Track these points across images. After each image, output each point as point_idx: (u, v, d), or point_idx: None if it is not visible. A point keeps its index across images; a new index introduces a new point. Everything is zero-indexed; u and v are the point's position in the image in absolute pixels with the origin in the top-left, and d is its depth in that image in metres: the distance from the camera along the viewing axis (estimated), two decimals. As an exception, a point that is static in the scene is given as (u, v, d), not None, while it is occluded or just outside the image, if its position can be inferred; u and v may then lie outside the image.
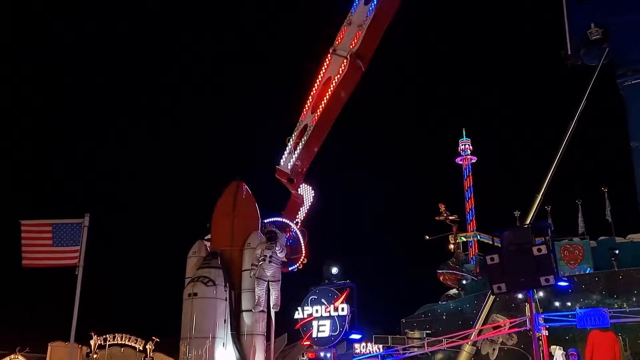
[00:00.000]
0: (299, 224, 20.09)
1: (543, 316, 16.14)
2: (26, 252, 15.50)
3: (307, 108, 20.70)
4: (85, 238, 15.23)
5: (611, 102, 21.46)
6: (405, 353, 21.54)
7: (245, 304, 16.35)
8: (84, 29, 63.33)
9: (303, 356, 24.38)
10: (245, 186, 17.66)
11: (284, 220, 19.65)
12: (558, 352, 17.86)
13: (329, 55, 21.02)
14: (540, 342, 15.85)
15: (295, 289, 18.61)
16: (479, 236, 38.14)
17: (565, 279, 17.79)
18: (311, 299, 16.93)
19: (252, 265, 16.36)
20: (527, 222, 21.26)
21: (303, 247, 19.48)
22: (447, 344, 19.40)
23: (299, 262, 19.55)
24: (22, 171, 50.49)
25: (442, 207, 35.87)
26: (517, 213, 28.51)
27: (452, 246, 36.43)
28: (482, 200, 41.50)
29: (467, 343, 19.20)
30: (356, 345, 25.09)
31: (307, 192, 21.05)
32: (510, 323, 18.20)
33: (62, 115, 60.57)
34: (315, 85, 20.79)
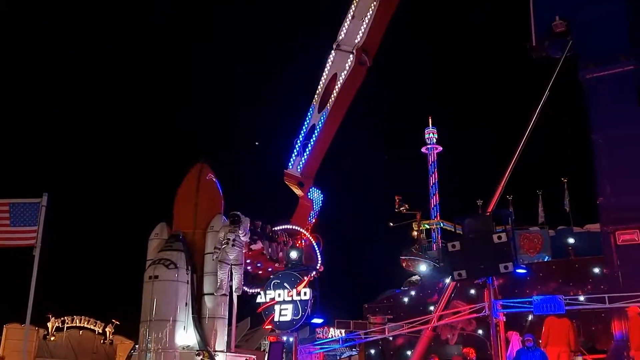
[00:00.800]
0: (309, 229, 19.62)
1: (501, 302, 16.43)
2: (-18, 231, 15.07)
3: (313, 107, 20.00)
4: (43, 218, 14.89)
5: (573, 94, 21.88)
6: (367, 338, 21.73)
7: (207, 287, 16.31)
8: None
9: (265, 340, 24.47)
10: (210, 168, 17.50)
11: (294, 227, 19.19)
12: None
13: (332, 51, 20.33)
14: (498, 328, 16.15)
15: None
16: (442, 224, 38.63)
17: (524, 266, 18.11)
18: (274, 283, 16.88)
19: (215, 248, 16.31)
20: (489, 210, 21.58)
21: (318, 255, 19.20)
22: (407, 328, 19.62)
23: (315, 271, 19.28)
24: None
25: (397, 199, 36.21)
26: (479, 202, 28.94)
27: (415, 233, 36.83)
28: (447, 189, 42.02)
29: None
30: (318, 330, 25.27)
31: (316, 196, 20.36)
32: (470, 309, 18.48)
33: (20, 90, 58.88)
34: (321, 83, 20.09)
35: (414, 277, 34.44)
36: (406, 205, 36.02)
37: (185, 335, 15.62)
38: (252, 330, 31.88)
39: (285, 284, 16.78)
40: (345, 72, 19.80)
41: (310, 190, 20.20)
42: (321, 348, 18.47)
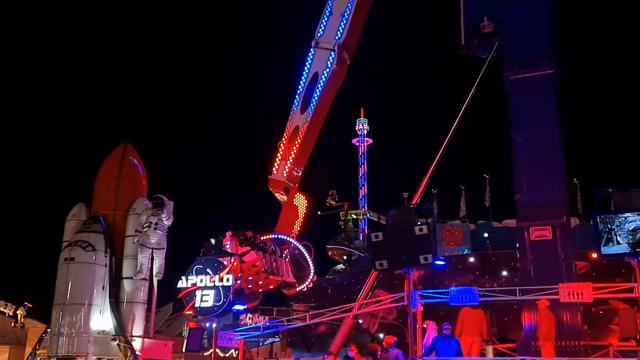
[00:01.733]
0: (295, 237, 18.98)
1: (420, 293, 16.85)
2: None
3: (295, 108, 19.29)
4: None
5: (499, 93, 22.63)
6: (289, 325, 21.82)
7: (126, 270, 16.00)
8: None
9: (186, 326, 24.15)
10: (134, 149, 17.07)
11: (280, 236, 18.53)
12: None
13: (311, 49, 19.63)
14: (416, 317, 16.58)
15: (181, 257, 18.24)
16: (368, 214, 39.32)
17: (443, 258, 18.62)
18: (196, 268, 16.59)
19: (136, 231, 16.00)
20: (413, 203, 22.10)
21: (311, 263, 18.67)
22: (329, 316, 19.82)
23: (309, 281, 18.77)
24: None
25: (330, 193, 36.47)
26: (405, 194, 29.60)
27: (342, 222, 37.30)
28: (377, 180, 42.73)
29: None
30: (242, 317, 25.14)
31: (301, 202, 19.63)
32: (390, 298, 18.86)
33: None
34: (301, 83, 19.41)
35: (338, 265, 34.90)
36: (333, 199, 36.31)
37: (101, 320, 15.26)
38: (174, 316, 31.43)
39: (207, 270, 16.54)
40: (327, 70, 19.07)
41: (296, 196, 19.50)
42: (242, 334, 18.38)
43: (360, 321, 25.37)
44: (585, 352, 18.55)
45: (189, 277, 16.60)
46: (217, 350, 17.57)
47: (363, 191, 42.03)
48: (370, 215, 39.10)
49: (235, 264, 16.55)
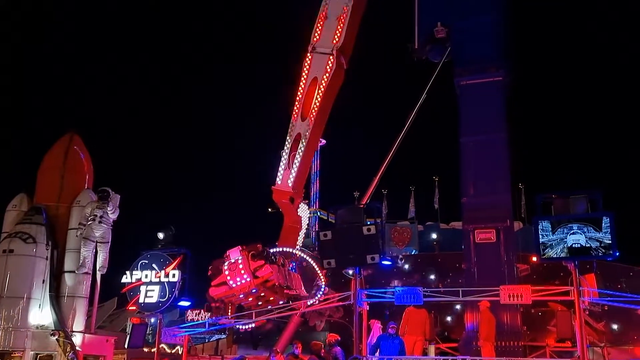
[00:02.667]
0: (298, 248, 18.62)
1: (366, 292, 17.01)
2: None
3: (295, 115, 18.93)
4: None
5: (450, 97, 23.07)
6: (235, 322, 21.69)
7: (68, 264, 15.70)
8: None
9: (129, 321, 23.72)
10: (81, 139, 16.72)
11: (284, 249, 18.08)
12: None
13: (308, 54, 19.33)
14: (362, 316, 16.72)
15: (126, 251, 17.94)
16: (319, 212, 39.38)
17: (390, 258, 18.90)
18: (141, 263, 16.34)
19: (80, 224, 15.72)
20: (363, 202, 22.33)
21: (321, 275, 18.31)
22: (276, 314, 19.82)
23: (320, 294, 18.35)
24: None
25: None
26: (356, 194, 29.83)
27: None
28: (329, 179, 42.77)
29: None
30: (188, 312, 24.81)
31: (304, 212, 19.22)
32: (338, 297, 18.98)
33: None
34: (300, 89, 18.98)
35: (287, 263, 34.86)
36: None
37: (40, 314, 14.93)
38: (118, 311, 30.79)
39: (153, 265, 16.32)
40: (327, 74, 18.88)
41: (300, 206, 19.16)
42: (187, 331, 18.18)
43: (308, 319, 25.42)
44: (523, 353, 19.13)
45: (134, 272, 16.33)
46: (163, 345, 17.38)
47: (314, 189, 42.10)
48: (320, 214, 39.19)
49: (249, 280, 16.24)
